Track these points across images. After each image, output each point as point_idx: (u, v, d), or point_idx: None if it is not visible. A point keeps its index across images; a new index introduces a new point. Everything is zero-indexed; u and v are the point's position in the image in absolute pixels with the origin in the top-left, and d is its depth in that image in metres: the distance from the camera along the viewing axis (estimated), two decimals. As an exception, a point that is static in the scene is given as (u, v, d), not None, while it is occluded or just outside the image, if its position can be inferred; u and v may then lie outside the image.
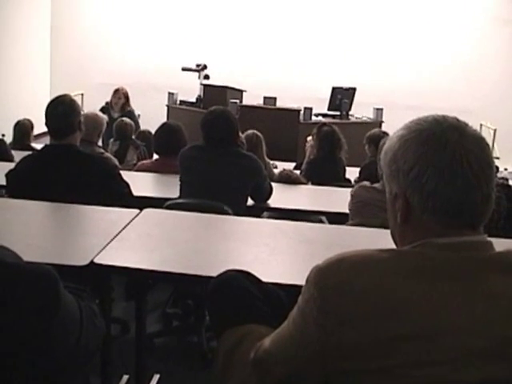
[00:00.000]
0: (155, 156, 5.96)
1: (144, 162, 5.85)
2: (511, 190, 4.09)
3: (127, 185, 4.07)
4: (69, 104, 3.97)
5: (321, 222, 4.59)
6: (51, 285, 1.73)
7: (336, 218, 4.26)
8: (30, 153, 4.29)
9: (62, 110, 3.90)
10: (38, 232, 3.25)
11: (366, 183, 4.14)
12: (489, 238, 1.60)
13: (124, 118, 7.48)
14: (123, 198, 3.87)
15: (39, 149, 4.13)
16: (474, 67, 12.49)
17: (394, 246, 1.71)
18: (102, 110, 8.61)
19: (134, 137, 7.11)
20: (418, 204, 1.56)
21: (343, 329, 1.47)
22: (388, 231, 1.76)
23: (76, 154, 3.90)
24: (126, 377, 3.75)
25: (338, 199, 4.87)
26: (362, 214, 3.92)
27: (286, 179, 5.42)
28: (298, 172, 6.20)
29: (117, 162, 5.80)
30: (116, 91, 9.23)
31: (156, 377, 3.85)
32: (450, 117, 1.62)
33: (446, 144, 1.54)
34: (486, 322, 1.46)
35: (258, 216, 4.39)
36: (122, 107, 9.21)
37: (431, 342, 1.43)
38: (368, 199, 3.94)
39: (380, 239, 3.09)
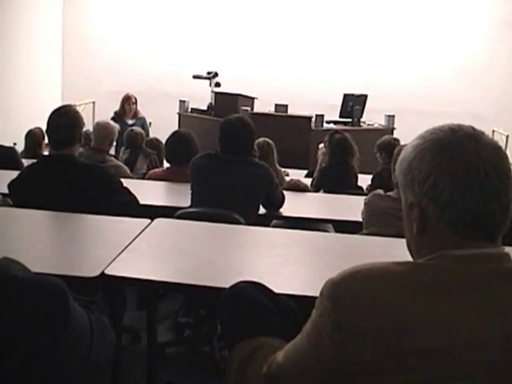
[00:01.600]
0: (166, 164, 5.94)
1: (155, 170, 5.84)
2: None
3: (130, 193, 4.06)
4: (73, 116, 3.99)
5: (326, 231, 4.56)
6: (60, 298, 1.71)
7: (347, 227, 4.22)
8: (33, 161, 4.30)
9: (65, 121, 3.91)
10: (47, 243, 3.24)
11: (380, 191, 4.10)
12: (507, 249, 1.56)
13: (134, 128, 7.50)
14: (124, 207, 3.84)
15: (39, 159, 4.14)
16: (485, 72, 12.44)
17: (409, 256, 1.68)
18: (113, 119, 8.65)
19: (143, 145, 7.10)
20: (433, 214, 1.53)
21: (358, 344, 1.45)
22: (403, 240, 1.73)
23: (74, 164, 3.89)
24: (137, 387, 3.73)
25: (348, 207, 4.85)
26: (376, 222, 3.89)
27: (295, 188, 5.40)
28: (309, 180, 6.18)
29: (128, 171, 5.81)
30: (128, 98, 9.30)
31: (168, 387, 3.83)
32: (466, 126, 1.59)
33: (462, 153, 1.51)
34: (502, 337, 1.43)
35: (268, 224, 4.36)
36: (134, 113, 9.27)
37: (446, 357, 1.41)
38: (383, 208, 3.90)
39: (394, 249, 3.07)
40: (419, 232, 1.59)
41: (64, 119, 3.92)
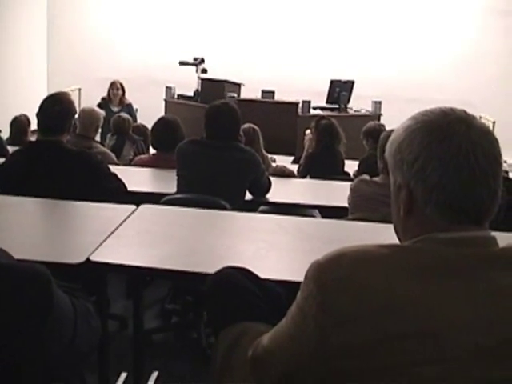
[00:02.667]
0: (152, 151, 5.92)
1: (141, 156, 5.82)
2: (511, 182, 4.05)
3: (118, 179, 4.04)
4: (66, 105, 3.96)
5: (312, 216, 4.56)
6: (43, 284, 1.70)
7: (333, 212, 4.21)
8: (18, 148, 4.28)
9: (58, 109, 3.89)
10: (32, 229, 3.21)
11: (366, 177, 4.10)
12: (494, 234, 1.56)
13: (121, 114, 7.48)
14: (112, 193, 3.82)
15: (26, 145, 4.12)
16: (472, 59, 12.46)
17: (395, 241, 1.67)
18: (100, 105, 8.64)
19: (130, 131, 7.07)
20: (421, 196, 1.53)
21: (343, 326, 1.44)
22: (389, 225, 1.73)
23: (61, 150, 3.87)
24: (124, 374, 3.72)
25: (335, 193, 4.85)
26: (362, 208, 3.89)
27: (280, 174, 5.39)
28: (296, 166, 6.18)
29: (114, 157, 5.78)
30: (113, 84, 9.30)
31: (155, 374, 3.82)
32: (458, 109, 1.58)
33: (453, 136, 1.50)
34: (489, 320, 1.43)
35: (254, 210, 4.36)
36: (120, 100, 9.25)
37: (432, 340, 1.40)
38: (368, 193, 3.90)
39: (381, 234, 3.06)
40: (406, 214, 1.58)
41: (57, 107, 3.89)
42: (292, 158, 7.27)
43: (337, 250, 1.53)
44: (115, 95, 9.28)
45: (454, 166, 1.48)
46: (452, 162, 1.48)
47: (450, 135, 1.50)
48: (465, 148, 1.48)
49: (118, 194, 3.90)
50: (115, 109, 9.13)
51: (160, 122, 5.63)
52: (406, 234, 1.61)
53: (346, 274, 1.47)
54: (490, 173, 1.50)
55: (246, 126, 5.90)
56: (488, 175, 1.50)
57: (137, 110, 9.67)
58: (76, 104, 5.16)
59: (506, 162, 9.82)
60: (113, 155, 5.84)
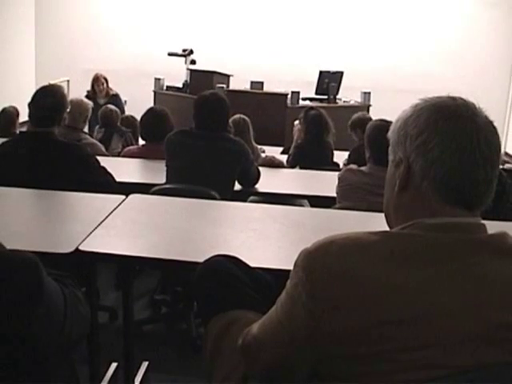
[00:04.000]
0: (141, 142, 5.90)
1: (130, 147, 5.80)
2: (502, 174, 4.07)
3: (107, 172, 4.03)
4: (59, 99, 3.95)
5: (302, 206, 4.57)
6: (34, 272, 1.70)
7: (323, 202, 4.22)
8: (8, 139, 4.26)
9: (50, 102, 3.88)
10: (22, 219, 3.20)
11: (353, 166, 4.11)
12: (486, 223, 1.57)
13: (109, 105, 7.43)
14: (101, 186, 3.81)
15: (16, 135, 4.10)
16: (461, 50, 12.47)
17: (382, 229, 1.67)
18: (87, 98, 8.60)
19: (119, 123, 7.03)
20: (420, 170, 1.53)
21: (332, 313, 1.44)
22: (375, 214, 1.74)
23: (52, 142, 3.86)
24: (114, 364, 3.72)
25: (324, 183, 4.85)
26: (349, 197, 3.90)
27: (269, 164, 5.39)
28: (285, 156, 6.17)
29: (103, 148, 5.77)
30: (96, 79, 9.30)
31: (145, 364, 3.82)
32: (465, 98, 1.61)
33: (459, 117, 1.52)
34: (477, 306, 1.44)
35: (244, 200, 4.36)
36: (106, 92, 9.22)
37: (420, 326, 1.41)
38: (355, 182, 3.91)
39: (368, 223, 3.09)
40: (401, 189, 1.59)
41: (50, 99, 3.89)
42: (281, 149, 7.25)
43: (326, 238, 1.53)
44: (101, 90, 9.27)
45: (456, 144, 1.50)
46: (455, 141, 1.50)
47: (457, 116, 1.52)
48: (470, 130, 1.50)
49: (107, 187, 3.89)
50: (101, 101, 9.10)
51: (148, 112, 5.62)
52: (398, 214, 1.62)
53: (335, 261, 1.47)
54: (488, 160, 1.51)
55: (236, 116, 5.90)
56: (487, 162, 1.51)
57: (125, 101, 9.64)
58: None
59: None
60: (102, 146, 5.82)
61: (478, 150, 1.50)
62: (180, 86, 9.96)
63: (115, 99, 9.21)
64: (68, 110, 4.11)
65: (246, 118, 6.00)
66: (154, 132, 5.38)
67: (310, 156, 5.97)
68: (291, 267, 1.56)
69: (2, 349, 1.64)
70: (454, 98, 1.58)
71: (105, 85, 9.30)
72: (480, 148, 1.50)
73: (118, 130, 6.86)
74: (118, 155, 5.82)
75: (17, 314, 1.64)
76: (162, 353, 4.07)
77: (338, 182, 4.06)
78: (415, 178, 1.55)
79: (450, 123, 1.52)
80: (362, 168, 3.99)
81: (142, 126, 5.62)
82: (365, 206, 3.42)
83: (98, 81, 9.27)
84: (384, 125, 3.74)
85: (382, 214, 1.73)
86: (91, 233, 2.89)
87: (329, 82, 9.74)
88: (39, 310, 1.68)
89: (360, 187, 3.86)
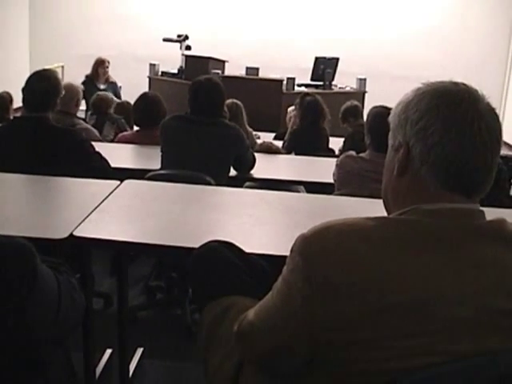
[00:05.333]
0: (135, 128, 5.88)
1: (124, 133, 5.77)
2: (499, 161, 4.05)
3: (102, 158, 4.01)
4: (53, 83, 3.94)
5: (297, 192, 4.56)
6: (28, 259, 1.68)
7: (319, 188, 4.21)
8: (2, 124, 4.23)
9: (44, 86, 3.86)
10: (15, 205, 3.18)
11: (352, 153, 4.09)
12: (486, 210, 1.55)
13: (100, 93, 7.36)
14: (96, 172, 3.79)
15: (11, 120, 4.08)
16: (457, 37, 12.49)
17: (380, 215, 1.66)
18: (84, 83, 8.54)
19: (112, 110, 6.98)
20: (419, 154, 1.52)
21: (328, 299, 1.43)
22: (376, 201, 1.72)
23: (46, 127, 3.84)
24: (109, 351, 3.72)
25: (320, 169, 4.85)
26: (349, 183, 3.88)
27: (267, 150, 5.38)
28: (279, 142, 6.16)
29: (97, 133, 5.74)
30: (102, 62, 9.17)
31: (139, 350, 3.82)
32: (468, 84, 1.59)
33: (461, 102, 1.51)
34: (475, 292, 1.43)
35: (240, 186, 4.35)
36: (106, 78, 9.16)
37: (418, 312, 1.40)
38: (355, 169, 3.89)
39: (366, 209, 3.05)
40: (400, 173, 1.58)
41: (43, 84, 3.87)
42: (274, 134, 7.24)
43: (323, 223, 1.52)
44: (104, 73, 9.17)
45: (456, 130, 1.48)
46: (456, 126, 1.48)
47: (459, 101, 1.51)
48: (471, 116, 1.49)
49: (102, 173, 3.87)
50: (101, 86, 9.05)
51: (141, 98, 5.59)
52: (396, 200, 1.61)
53: (332, 247, 1.46)
54: (489, 147, 1.50)
55: (228, 101, 5.88)
56: (487, 148, 1.50)
57: (120, 87, 9.60)
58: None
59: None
60: (95, 131, 5.79)
61: (478, 136, 1.48)
62: (175, 71, 9.94)
63: (113, 85, 9.17)
64: (62, 94, 4.09)
65: (239, 103, 5.99)
66: (148, 117, 5.36)
67: (306, 142, 5.97)
68: (287, 253, 1.55)
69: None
70: (456, 84, 1.57)
71: (108, 70, 9.23)
72: (481, 134, 1.48)
73: (109, 118, 6.80)
74: (111, 142, 5.79)
75: (11, 301, 1.63)
76: (156, 339, 4.06)
77: (338, 169, 4.04)
78: (414, 162, 1.54)
79: (452, 109, 1.50)
80: (362, 154, 3.97)
81: (136, 111, 5.59)
82: (366, 193, 3.41)
83: (103, 64, 9.17)
84: (384, 111, 3.72)
85: (382, 201, 1.71)
86: (85, 218, 2.87)
87: (324, 68, 9.72)
88: (33, 297, 1.67)
89: (360, 174, 3.84)
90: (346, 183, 3.92)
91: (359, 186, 3.75)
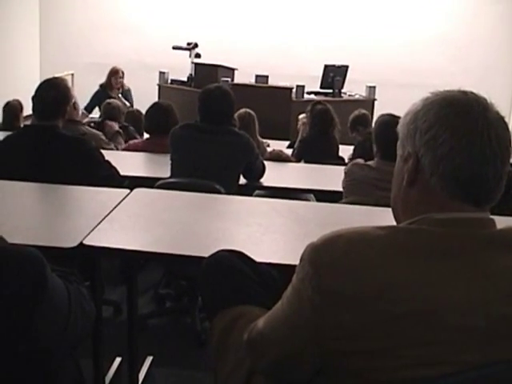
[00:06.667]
0: (145, 135, 5.89)
1: (135, 141, 5.79)
2: (510, 169, 4.04)
3: (111, 166, 4.01)
4: (62, 91, 3.94)
5: (307, 200, 4.55)
6: (38, 268, 1.68)
7: (328, 197, 4.21)
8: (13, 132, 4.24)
9: (53, 95, 3.87)
10: (25, 213, 3.19)
11: (360, 161, 4.09)
12: (496, 218, 1.55)
13: (111, 101, 7.33)
14: (105, 180, 3.79)
15: (21, 129, 4.09)
16: (465, 45, 12.46)
17: (389, 224, 1.65)
18: (97, 92, 8.69)
19: (123, 118, 6.96)
20: (429, 165, 1.52)
21: (339, 308, 1.43)
22: (382, 209, 1.72)
23: (56, 135, 3.85)
24: (118, 359, 3.72)
25: (330, 177, 4.84)
26: (355, 191, 3.87)
27: (276, 158, 5.38)
28: (290, 151, 6.17)
29: (103, 137, 5.71)
30: (116, 72, 9.05)
31: (149, 359, 3.82)
32: (476, 92, 1.58)
33: (470, 112, 1.50)
34: (485, 302, 1.42)
35: (250, 195, 4.34)
36: (120, 86, 9.17)
37: (429, 322, 1.39)
38: (362, 177, 3.89)
39: (374, 217, 3.07)
40: (409, 184, 1.57)
41: (53, 92, 3.87)
42: (287, 142, 7.24)
43: (332, 232, 1.52)
44: (117, 83, 9.13)
45: (466, 140, 1.48)
46: (465, 137, 1.48)
47: (468, 111, 1.50)
48: (481, 125, 1.48)
49: (112, 181, 3.87)
50: (113, 94, 9.04)
51: (154, 106, 5.63)
52: (405, 209, 1.60)
53: (341, 256, 1.46)
54: (499, 156, 1.49)
55: (242, 110, 5.91)
56: (497, 158, 1.49)
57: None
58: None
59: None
60: (102, 135, 5.75)
61: (488, 146, 1.48)
62: (185, 79, 9.95)
63: (127, 93, 9.18)
64: (72, 102, 4.09)
65: (252, 112, 5.99)
66: (159, 126, 5.37)
67: (315, 150, 5.97)
68: (297, 262, 1.55)
69: (6, 346, 1.63)
70: (465, 93, 1.56)
71: (122, 79, 9.22)
72: (491, 144, 1.48)
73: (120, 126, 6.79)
74: (123, 148, 5.79)
75: (20, 312, 1.63)
76: (166, 347, 4.06)
77: (345, 177, 4.04)
78: (424, 172, 1.53)
79: (461, 118, 1.49)
80: (369, 162, 3.97)
81: (147, 119, 5.61)
82: (372, 201, 3.40)
83: (117, 74, 9.11)
84: (392, 119, 3.73)
85: (390, 209, 1.71)
86: (95, 227, 2.88)
87: (334, 75, 9.71)
88: (43, 307, 1.66)
89: (367, 182, 3.84)
90: (353, 191, 3.92)
91: (365, 194, 3.75)
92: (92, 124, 6.39)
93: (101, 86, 9.06)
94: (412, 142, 1.56)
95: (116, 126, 6.29)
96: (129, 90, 9.29)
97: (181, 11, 12.76)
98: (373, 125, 5.82)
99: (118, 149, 5.76)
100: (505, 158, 1.51)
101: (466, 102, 1.53)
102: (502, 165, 1.51)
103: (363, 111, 6.82)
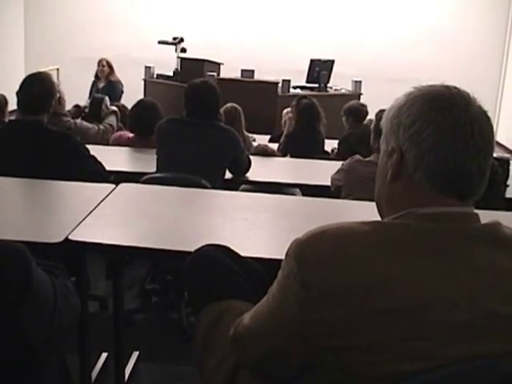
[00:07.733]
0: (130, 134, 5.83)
1: (120, 132, 5.70)
2: (493, 163, 4.05)
3: (97, 161, 3.99)
4: (47, 86, 3.92)
5: (293, 195, 4.54)
6: (23, 262, 1.68)
7: (314, 191, 4.21)
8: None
9: (37, 90, 3.85)
10: (10, 209, 3.18)
11: (359, 157, 4.06)
12: (480, 212, 1.55)
13: (96, 95, 7.29)
14: (90, 175, 3.77)
15: (5, 123, 4.07)
16: (452, 39, 12.50)
17: (379, 219, 1.66)
18: (92, 85, 8.84)
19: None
20: (413, 159, 1.52)
21: (324, 304, 1.43)
22: (374, 204, 1.72)
23: (41, 130, 3.83)
24: (104, 354, 3.72)
25: (315, 171, 4.84)
26: (360, 188, 3.82)
27: (262, 153, 5.37)
28: (274, 144, 6.15)
29: (89, 125, 5.65)
30: (99, 61, 9.30)
31: (135, 354, 3.81)
32: (460, 87, 1.59)
33: (454, 106, 1.51)
34: (471, 296, 1.42)
35: (236, 189, 4.34)
36: (106, 77, 9.22)
37: (414, 316, 1.39)
38: (365, 173, 3.84)
39: (363, 211, 3.07)
40: (394, 179, 1.57)
41: (37, 87, 3.86)
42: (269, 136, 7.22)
43: (318, 228, 1.52)
44: (102, 72, 9.27)
45: (450, 134, 1.48)
46: (449, 131, 1.48)
47: (451, 105, 1.51)
48: (464, 120, 1.49)
49: (97, 176, 3.86)
50: (101, 85, 9.16)
51: (139, 105, 5.53)
52: (390, 204, 1.60)
53: (327, 251, 1.46)
54: (482, 150, 1.50)
55: (228, 105, 5.90)
56: (480, 152, 1.50)
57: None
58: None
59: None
60: (86, 123, 5.68)
61: (471, 140, 1.48)
62: (170, 74, 9.93)
63: (111, 85, 9.20)
64: (57, 97, 4.08)
65: (238, 107, 5.98)
66: (144, 124, 5.31)
67: (301, 144, 5.96)
68: (283, 257, 1.55)
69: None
70: (448, 87, 1.57)
71: (106, 68, 9.29)
72: (474, 138, 1.48)
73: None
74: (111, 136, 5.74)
75: (5, 305, 1.63)
76: (152, 342, 4.06)
77: (345, 173, 4.00)
78: (408, 167, 1.53)
79: (445, 113, 1.50)
80: (369, 158, 3.95)
81: (132, 117, 5.53)
82: None
83: (98, 64, 9.30)
84: None
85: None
86: (81, 222, 2.87)
87: (320, 70, 9.72)
88: (29, 301, 1.66)
89: (371, 177, 3.81)
90: (357, 188, 3.87)
91: (370, 190, 3.72)
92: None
93: (94, 77, 9.26)
94: (396, 136, 1.56)
95: (113, 107, 6.22)
96: (114, 83, 9.29)
97: (167, 6, 12.74)
98: (368, 120, 5.84)
99: (108, 130, 5.69)
100: (487, 152, 1.52)
101: (449, 96, 1.53)
102: (485, 159, 1.51)
103: (362, 105, 6.71)
